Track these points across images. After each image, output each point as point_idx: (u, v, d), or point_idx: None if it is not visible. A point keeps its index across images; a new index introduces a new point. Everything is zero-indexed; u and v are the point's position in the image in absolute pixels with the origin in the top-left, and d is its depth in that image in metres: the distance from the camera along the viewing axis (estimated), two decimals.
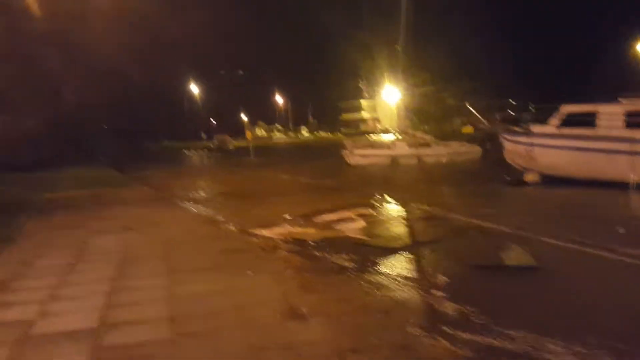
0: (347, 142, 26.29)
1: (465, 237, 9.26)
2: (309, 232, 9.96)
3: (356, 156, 25.38)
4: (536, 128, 15.74)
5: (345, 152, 26.06)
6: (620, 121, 13.69)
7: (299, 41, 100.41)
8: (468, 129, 51.55)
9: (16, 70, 26.85)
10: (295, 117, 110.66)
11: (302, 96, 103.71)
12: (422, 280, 6.67)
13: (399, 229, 10.22)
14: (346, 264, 7.38)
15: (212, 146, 60.85)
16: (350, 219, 11.11)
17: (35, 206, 14.12)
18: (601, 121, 13.97)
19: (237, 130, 77.81)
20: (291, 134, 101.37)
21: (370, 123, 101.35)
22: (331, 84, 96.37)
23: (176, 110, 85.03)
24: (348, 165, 25.52)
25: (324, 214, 11.69)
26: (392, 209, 12.79)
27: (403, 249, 8.47)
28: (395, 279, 6.60)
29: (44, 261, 7.84)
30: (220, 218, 11.76)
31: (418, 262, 7.72)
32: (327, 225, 10.53)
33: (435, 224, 10.50)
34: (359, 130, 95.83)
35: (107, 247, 8.69)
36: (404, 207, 12.62)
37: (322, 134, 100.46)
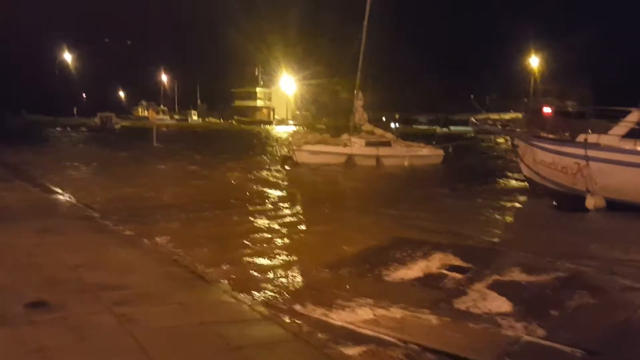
0: (295, 135, 21.22)
1: None
2: (430, 324, 5.08)
3: (304, 152, 20.48)
4: (592, 137, 12.15)
5: (290, 147, 21.02)
6: None
7: (194, 22, 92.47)
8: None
9: None
10: (182, 100, 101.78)
11: (191, 78, 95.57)
12: None
13: None
14: None
15: (93, 125, 51.53)
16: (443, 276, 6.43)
17: None
18: None
19: (118, 108, 68.14)
20: (177, 117, 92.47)
21: (265, 112, 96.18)
22: (224, 69, 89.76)
23: (46, 81, 72.35)
24: (293, 163, 20.54)
25: (386, 266, 6.90)
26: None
27: None
28: None
29: None
30: (209, 270, 6.51)
31: None
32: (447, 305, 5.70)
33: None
34: (254, 119, 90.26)
35: None
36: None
37: (212, 119, 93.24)
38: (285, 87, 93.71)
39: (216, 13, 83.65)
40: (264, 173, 17.97)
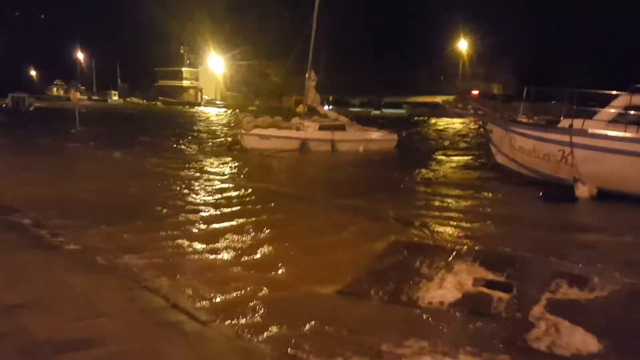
0: (244, 117, 19.42)
1: None
2: None
3: (254, 137, 18.82)
4: (578, 123, 11.49)
5: (239, 131, 19.25)
6: None
7: None
8: (302, 109, 48.02)
9: None
10: (101, 79, 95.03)
11: (110, 56, 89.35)
12: None
13: None
14: None
15: (4, 106, 46.31)
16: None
17: None
18: None
19: (31, 88, 62.08)
20: (95, 97, 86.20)
21: (192, 92, 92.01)
22: (147, 47, 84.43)
23: None
24: (241, 149, 18.86)
25: (410, 284, 5.77)
26: None
27: None
28: None
29: None
30: (199, 305, 4.95)
31: None
32: None
33: None
34: (180, 100, 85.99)
35: None
36: None
37: (135, 100, 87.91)
38: (214, 67, 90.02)
39: None
40: (210, 162, 16.11)
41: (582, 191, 10.96)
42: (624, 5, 54.23)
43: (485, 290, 5.65)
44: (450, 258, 6.76)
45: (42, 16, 77.82)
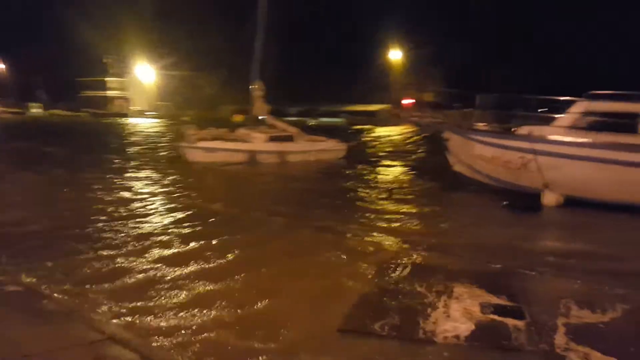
0: (189, 129, 18.26)
1: None
2: None
3: (198, 150, 17.78)
4: (538, 130, 11.47)
5: (182, 144, 18.12)
6: None
7: (30, 5, 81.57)
8: (239, 118, 46.95)
9: None
10: (18, 90, 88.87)
11: (31, 67, 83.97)
12: None
13: None
14: None
15: None
16: None
17: None
18: None
19: None
20: (15, 109, 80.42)
21: (121, 102, 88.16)
22: (69, 57, 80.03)
23: None
24: (184, 163, 17.75)
25: (415, 313, 5.48)
26: None
27: None
28: None
29: None
30: None
31: None
32: None
33: None
34: (107, 111, 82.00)
35: None
36: None
37: (59, 112, 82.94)
38: (144, 77, 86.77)
39: None
40: (153, 178, 14.92)
41: (549, 199, 10.90)
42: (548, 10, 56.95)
43: (497, 317, 5.16)
44: (443, 279, 6.28)
45: None
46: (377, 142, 29.79)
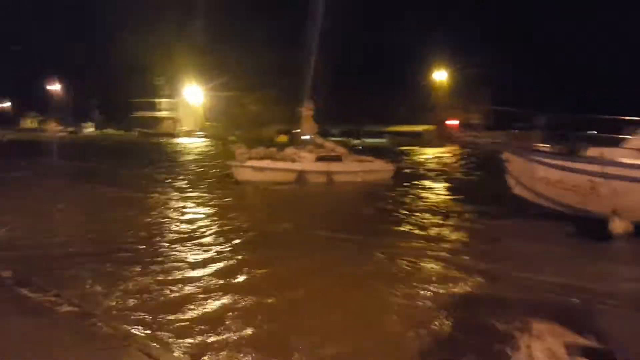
0: (238, 148, 18.32)
1: None
2: None
3: (247, 169, 17.75)
4: (608, 152, 10.74)
5: (234, 163, 18.16)
6: None
7: (90, 26, 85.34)
8: (283, 138, 47.11)
9: None
10: (75, 110, 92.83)
11: (85, 87, 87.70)
12: None
13: None
14: None
15: None
16: None
17: None
18: None
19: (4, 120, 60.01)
20: (71, 129, 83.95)
21: (170, 123, 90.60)
22: (123, 78, 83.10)
23: None
24: (234, 182, 17.74)
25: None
26: None
27: None
28: None
29: None
30: None
31: None
32: None
33: None
34: (157, 131, 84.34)
35: None
36: None
37: (112, 131, 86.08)
38: (192, 98, 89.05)
39: (114, 17, 77.16)
40: (202, 196, 14.92)
41: (618, 226, 10.13)
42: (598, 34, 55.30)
43: None
44: (518, 313, 5.76)
45: (15, 48, 75.54)
46: (425, 163, 29.18)
